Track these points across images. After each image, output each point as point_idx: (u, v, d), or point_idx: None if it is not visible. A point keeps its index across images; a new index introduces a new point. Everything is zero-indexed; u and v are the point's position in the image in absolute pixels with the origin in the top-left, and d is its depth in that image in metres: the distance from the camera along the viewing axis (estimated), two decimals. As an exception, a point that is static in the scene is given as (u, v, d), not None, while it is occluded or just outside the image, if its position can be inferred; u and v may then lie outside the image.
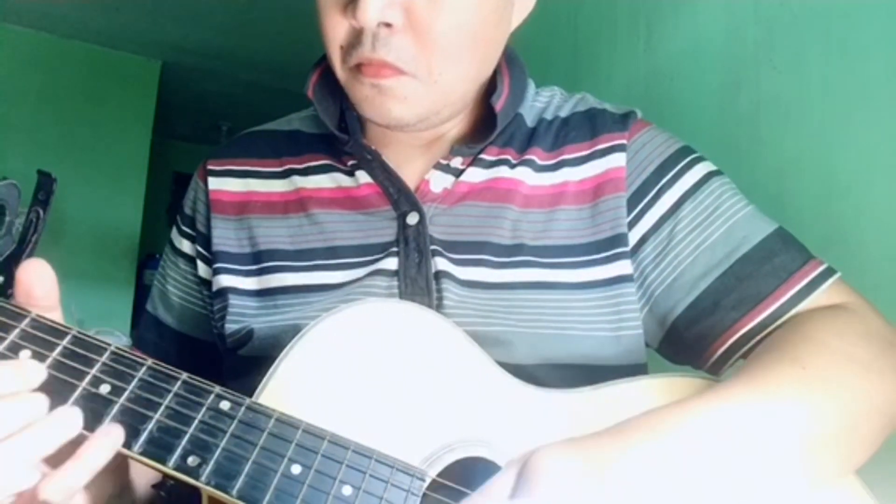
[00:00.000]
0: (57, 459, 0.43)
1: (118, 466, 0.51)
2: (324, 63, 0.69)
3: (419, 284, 0.64)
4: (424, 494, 0.49)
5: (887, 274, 0.82)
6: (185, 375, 0.49)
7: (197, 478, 0.45)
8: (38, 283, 0.48)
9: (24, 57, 3.53)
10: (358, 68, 0.62)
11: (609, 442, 0.48)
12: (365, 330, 0.56)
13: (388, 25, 0.60)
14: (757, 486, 0.49)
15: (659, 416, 0.50)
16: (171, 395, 0.47)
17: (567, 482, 0.45)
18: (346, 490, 0.47)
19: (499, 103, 0.67)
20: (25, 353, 0.46)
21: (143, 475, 0.64)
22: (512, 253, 0.66)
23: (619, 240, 0.66)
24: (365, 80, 0.62)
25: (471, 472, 0.52)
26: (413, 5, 0.59)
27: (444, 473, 0.51)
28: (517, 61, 0.72)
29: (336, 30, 0.62)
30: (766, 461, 0.49)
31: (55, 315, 0.49)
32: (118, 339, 2.39)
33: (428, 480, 0.49)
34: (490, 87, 0.70)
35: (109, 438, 0.45)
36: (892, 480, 0.60)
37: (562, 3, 1.65)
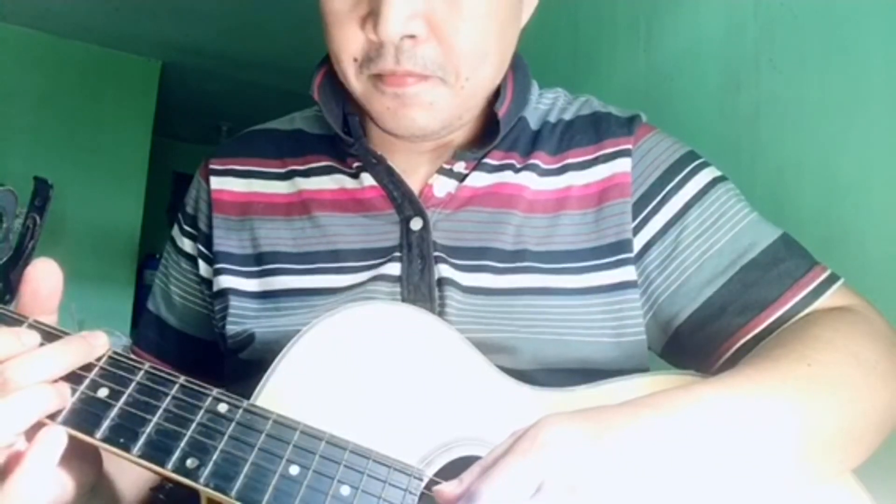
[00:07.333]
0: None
1: (87, 461, 0.50)
2: (326, 64, 0.68)
3: (422, 291, 0.64)
4: (422, 494, 0.49)
5: (887, 274, 0.82)
6: (182, 379, 0.49)
7: (196, 480, 0.45)
8: (45, 282, 0.48)
9: (24, 57, 3.53)
10: (378, 77, 0.61)
11: (613, 414, 0.48)
12: (361, 331, 0.56)
13: (411, 37, 0.58)
14: (753, 475, 0.49)
15: (665, 396, 0.50)
16: (168, 398, 0.47)
17: (566, 445, 0.44)
18: (345, 490, 0.47)
19: (502, 109, 0.66)
20: None
21: (139, 477, 0.64)
22: (514, 259, 0.65)
23: (623, 245, 0.65)
24: (388, 90, 0.60)
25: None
26: (434, 15, 0.58)
27: (441, 473, 0.51)
28: (521, 64, 0.72)
29: (350, 43, 0.60)
30: (763, 452, 0.49)
31: (51, 319, 0.49)
32: (118, 339, 2.39)
33: (426, 480, 0.49)
34: (495, 92, 0.69)
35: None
36: (892, 480, 0.60)
37: (562, 3, 1.64)
